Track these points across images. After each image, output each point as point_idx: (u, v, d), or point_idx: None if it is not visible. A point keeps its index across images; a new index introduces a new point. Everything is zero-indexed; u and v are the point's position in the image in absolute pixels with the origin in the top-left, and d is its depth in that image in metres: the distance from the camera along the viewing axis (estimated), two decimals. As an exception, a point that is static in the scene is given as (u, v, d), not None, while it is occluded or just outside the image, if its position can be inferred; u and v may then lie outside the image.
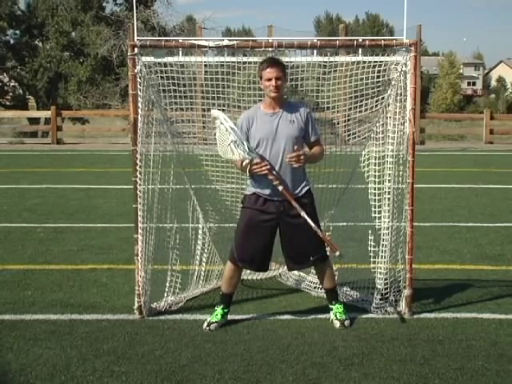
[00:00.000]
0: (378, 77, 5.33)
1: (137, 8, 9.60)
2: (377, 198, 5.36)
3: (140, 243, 5.19)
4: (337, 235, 5.72)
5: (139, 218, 5.19)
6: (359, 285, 5.62)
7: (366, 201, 5.49)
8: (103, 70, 28.89)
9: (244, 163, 4.76)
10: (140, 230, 5.19)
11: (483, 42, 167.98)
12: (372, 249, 5.48)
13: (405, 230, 5.25)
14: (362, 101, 5.49)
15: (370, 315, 5.23)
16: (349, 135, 5.65)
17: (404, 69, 5.07)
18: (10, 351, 4.55)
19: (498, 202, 10.63)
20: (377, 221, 5.34)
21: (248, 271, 5.78)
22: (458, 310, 5.35)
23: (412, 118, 5.07)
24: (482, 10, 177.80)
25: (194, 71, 5.78)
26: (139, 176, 5.14)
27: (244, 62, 5.58)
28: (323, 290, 5.28)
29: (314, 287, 5.74)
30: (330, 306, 5.12)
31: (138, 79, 5.08)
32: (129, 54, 5.06)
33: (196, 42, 5.12)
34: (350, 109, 5.62)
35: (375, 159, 5.40)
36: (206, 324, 4.97)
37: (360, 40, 5.07)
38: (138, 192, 5.15)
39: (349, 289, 5.64)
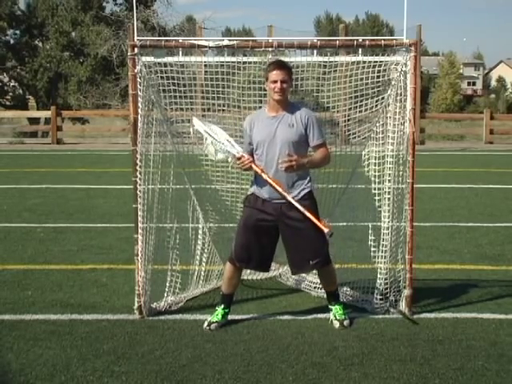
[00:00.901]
0: (378, 77, 5.33)
1: (137, 8, 9.60)
2: (377, 198, 5.36)
3: (140, 243, 5.19)
4: (337, 235, 5.71)
5: (139, 218, 5.19)
6: (359, 285, 5.61)
7: (366, 201, 5.49)
8: (103, 69, 28.89)
9: (231, 161, 4.90)
10: (140, 230, 5.19)
11: (483, 42, 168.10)
12: (372, 249, 5.49)
13: (405, 229, 5.25)
14: (362, 101, 5.49)
15: (370, 315, 5.23)
16: (349, 135, 5.65)
17: (404, 69, 5.07)
18: (10, 351, 4.55)
19: (498, 201, 10.62)
20: (377, 221, 5.35)
21: (248, 271, 5.79)
22: (458, 309, 5.35)
23: (412, 118, 5.07)
24: (482, 10, 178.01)
25: (194, 71, 5.79)
26: (139, 176, 5.15)
27: (244, 62, 5.58)
28: (323, 290, 5.29)
29: (314, 287, 5.74)
30: (330, 307, 5.12)
31: (138, 79, 5.08)
32: (129, 54, 5.07)
33: (196, 42, 5.12)
34: (350, 109, 5.62)
35: (375, 159, 5.40)
36: (206, 324, 4.98)
37: (360, 40, 5.08)
38: (138, 192, 5.16)
39: (349, 289, 5.64)
